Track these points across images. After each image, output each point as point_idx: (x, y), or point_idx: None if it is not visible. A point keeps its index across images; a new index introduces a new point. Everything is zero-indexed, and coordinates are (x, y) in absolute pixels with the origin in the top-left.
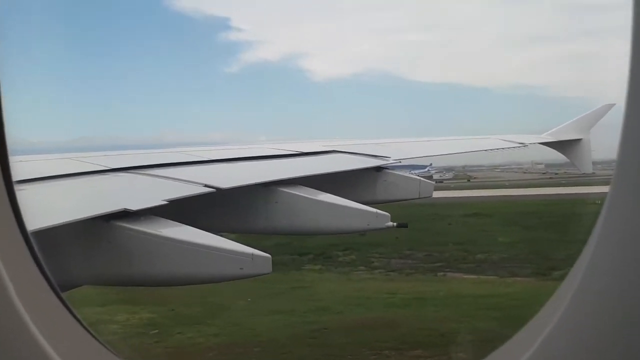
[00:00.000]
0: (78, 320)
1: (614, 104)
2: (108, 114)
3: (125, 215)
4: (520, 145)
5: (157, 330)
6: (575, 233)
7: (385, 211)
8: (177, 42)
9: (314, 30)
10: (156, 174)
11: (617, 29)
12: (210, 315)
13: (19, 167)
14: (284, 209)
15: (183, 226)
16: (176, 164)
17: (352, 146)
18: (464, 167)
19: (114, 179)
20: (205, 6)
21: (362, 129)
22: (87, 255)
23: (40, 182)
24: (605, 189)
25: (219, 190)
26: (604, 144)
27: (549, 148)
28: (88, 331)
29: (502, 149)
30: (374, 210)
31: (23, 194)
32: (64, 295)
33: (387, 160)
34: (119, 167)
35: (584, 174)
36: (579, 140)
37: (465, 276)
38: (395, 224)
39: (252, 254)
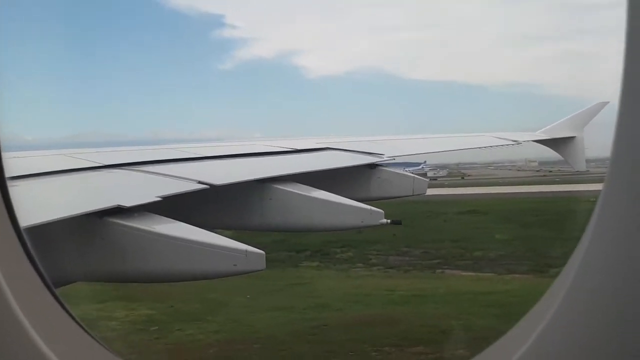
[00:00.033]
0: (72, 316)
1: (608, 102)
2: (102, 111)
3: (118, 211)
4: (514, 142)
5: (156, 327)
6: (572, 230)
7: (380, 208)
8: (171, 40)
9: (308, 27)
10: (150, 170)
11: (612, 28)
12: (209, 312)
13: (13, 163)
14: (278, 205)
15: (177, 223)
16: (170, 161)
17: (346, 143)
18: (457, 164)
19: (107, 175)
20: (200, 3)
21: (357, 127)
22: (80, 252)
23: (34, 178)
24: (599, 186)
25: (212, 187)
26: (598, 141)
27: (542, 146)
28: (82, 327)
29: (496, 146)
30: (368, 207)
31: (16, 190)
32: (57, 291)
33: (381, 158)
34: (113, 163)
35: (577, 171)
36: (572, 138)
37: (463, 273)
38: (389, 220)
39: (246, 251)
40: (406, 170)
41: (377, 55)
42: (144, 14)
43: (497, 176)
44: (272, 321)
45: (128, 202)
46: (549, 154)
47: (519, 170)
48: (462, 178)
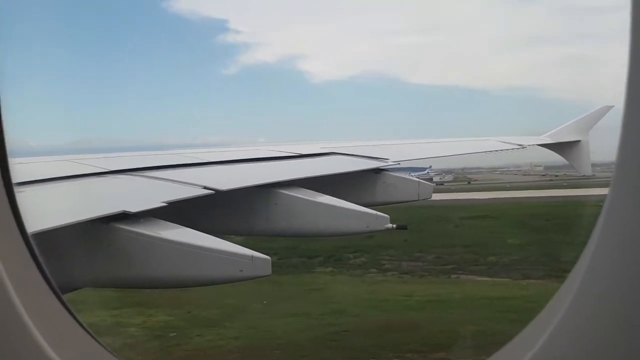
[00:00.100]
0: (79, 322)
1: (613, 106)
2: (107, 116)
3: (124, 217)
4: (519, 146)
5: (175, 333)
6: (585, 235)
7: (385, 213)
8: (175, 45)
9: (311, 32)
10: (155, 175)
11: (615, 31)
12: (226, 317)
13: (19, 169)
14: (283, 210)
15: (182, 228)
16: (175, 166)
17: (351, 148)
18: (462, 169)
19: (113, 181)
20: (203, 8)
21: (361, 131)
22: (86, 258)
23: (40, 184)
24: (607, 191)
25: (218, 192)
26: (603, 145)
27: (547, 150)
28: (89, 333)
29: (501, 150)
30: (374, 212)
31: (23, 196)
32: (64, 297)
33: (386, 162)
34: (118, 169)
35: (584, 175)
36: (577, 142)
37: (479, 278)
38: (394, 225)
39: (252, 256)
40: (411, 175)
41: (380, 60)
42: (148, 20)
43: (504, 181)
44: (291, 327)
45: (133, 208)
46: (554, 158)
47: (524, 174)
48: (469, 183)
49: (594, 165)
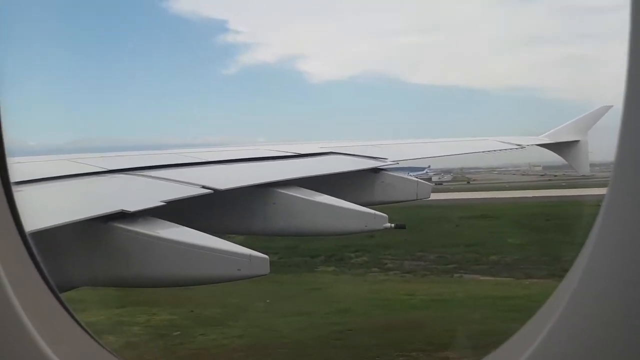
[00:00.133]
0: (76, 321)
1: (612, 106)
2: (107, 116)
3: (122, 216)
4: (518, 146)
5: (179, 332)
6: (586, 235)
7: (384, 213)
8: (175, 45)
9: (311, 32)
10: (154, 175)
11: (615, 31)
12: (230, 316)
13: (17, 168)
14: (281, 210)
15: (180, 227)
16: (174, 166)
17: (349, 148)
18: (461, 169)
19: (111, 180)
20: (203, 9)
21: (360, 131)
22: (84, 257)
23: (39, 183)
24: (605, 190)
25: (216, 191)
26: (602, 145)
27: (545, 150)
28: (87, 332)
29: (500, 150)
30: (372, 211)
31: (21, 195)
32: (62, 296)
33: (385, 162)
34: (117, 168)
35: (583, 175)
36: (576, 142)
37: (481, 278)
38: (393, 225)
39: (250, 255)
40: (410, 175)
41: (380, 60)
42: (148, 20)
43: (502, 180)
44: (295, 326)
45: (132, 207)
46: (552, 158)
47: (523, 174)
48: (468, 182)
49: (592, 165)
